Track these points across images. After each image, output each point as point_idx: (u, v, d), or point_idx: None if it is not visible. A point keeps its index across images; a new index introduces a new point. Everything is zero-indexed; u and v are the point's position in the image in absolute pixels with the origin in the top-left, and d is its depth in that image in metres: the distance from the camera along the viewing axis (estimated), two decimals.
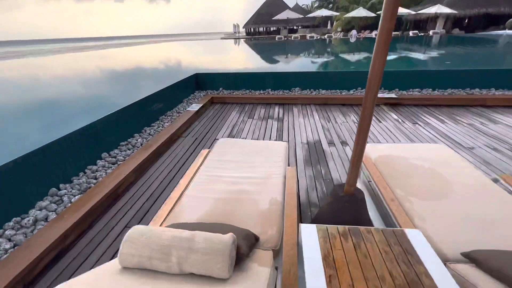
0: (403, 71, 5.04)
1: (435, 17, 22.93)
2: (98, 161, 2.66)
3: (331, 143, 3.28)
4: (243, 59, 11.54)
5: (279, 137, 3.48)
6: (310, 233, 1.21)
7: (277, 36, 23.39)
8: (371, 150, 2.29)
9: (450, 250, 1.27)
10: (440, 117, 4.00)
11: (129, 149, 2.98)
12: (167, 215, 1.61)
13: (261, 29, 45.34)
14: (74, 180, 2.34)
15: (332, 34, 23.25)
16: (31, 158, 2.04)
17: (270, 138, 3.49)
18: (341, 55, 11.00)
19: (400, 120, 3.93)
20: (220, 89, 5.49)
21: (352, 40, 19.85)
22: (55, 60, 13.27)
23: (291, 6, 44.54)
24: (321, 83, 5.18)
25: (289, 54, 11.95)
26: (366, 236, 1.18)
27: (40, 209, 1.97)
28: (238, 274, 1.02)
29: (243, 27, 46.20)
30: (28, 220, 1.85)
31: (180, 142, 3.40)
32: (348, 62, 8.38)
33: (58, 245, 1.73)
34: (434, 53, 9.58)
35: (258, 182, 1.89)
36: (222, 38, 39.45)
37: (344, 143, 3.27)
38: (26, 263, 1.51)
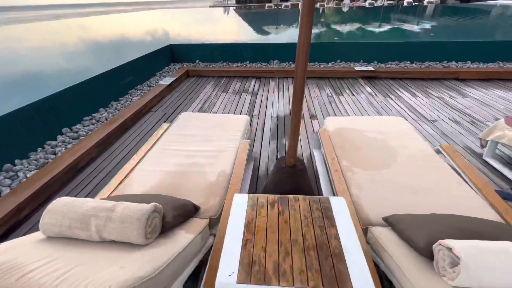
0: (382, 43, 4.93)
1: None
2: (58, 136, 2.61)
3: (315, 115, 3.29)
4: (229, 29, 10.96)
5: (250, 112, 3.46)
6: (241, 202, 1.27)
7: (266, 5, 22.10)
8: (331, 122, 2.32)
9: (375, 216, 1.36)
10: (413, 90, 4.02)
11: (92, 124, 2.92)
12: (115, 188, 1.63)
13: None
14: (31, 156, 2.31)
15: (325, 3, 22.11)
16: None
17: (241, 112, 3.46)
18: (332, 26, 10.59)
19: (373, 94, 3.93)
20: (197, 61, 5.28)
21: (345, 9, 19.01)
22: (29, 29, 12.34)
23: None
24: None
25: (281, 25, 11.41)
26: (293, 204, 1.24)
27: None
28: (161, 240, 1.08)
29: None
30: None
31: (148, 117, 3.34)
32: (338, 33, 8.10)
33: (12, 218, 1.76)
34: (427, 25, 9.31)
35: (211, 155, 1.91)
36: (210, 6, 37.00)
37: (313, 117, 3.28)
38: None
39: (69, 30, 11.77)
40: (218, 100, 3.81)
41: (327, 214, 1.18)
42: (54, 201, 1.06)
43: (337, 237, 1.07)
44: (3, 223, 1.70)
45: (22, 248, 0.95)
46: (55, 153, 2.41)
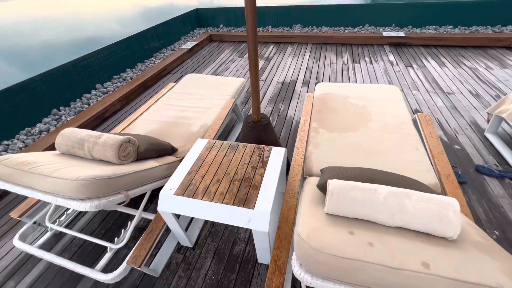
0: (419, 4, 4.33)
1: None
2: (92, 90, 3.17)
3: (306, 83, 3.32)
4: None
5: (258, 76, 3.58)
6: (200, 145, 1.55)
7: None
8: (320, 88, 2.38)
9: (318, 168, 1.53)
10: (443, 59, 3.62)
11: (120, 82, 3.42)
12: (121, 130, 2.06)
13: None
14: (72, 104, 2.91)
15: None
16: (32, 83, 2.58)
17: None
18: None
19: (394, 62, 3.66)
20: (221, 25, 5.39)
21: None
22: None
23: None
24: (325, 19, 4.76)
25: None
26: (240, 149, 1.49)
27: (44, 124, 2.59)
28: (135, 163, 1.44)
29: None
30: (35, 131, 2.48)
31: (167, 78, 3.73)
32: None
33: (52, 149, 2.36)
34: None
35: (200, 111, 2.21)
36: None
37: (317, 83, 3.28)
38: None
39: None
40: (232, 65, 3.99)
41: (264, 159, 1.41)
42: (63, 130, 1.49)
43: (262, 175, 1.30)
44: (48, 150, 2.30)
45: (42, 155, 1.40)
46: (88, 104, 2.97)
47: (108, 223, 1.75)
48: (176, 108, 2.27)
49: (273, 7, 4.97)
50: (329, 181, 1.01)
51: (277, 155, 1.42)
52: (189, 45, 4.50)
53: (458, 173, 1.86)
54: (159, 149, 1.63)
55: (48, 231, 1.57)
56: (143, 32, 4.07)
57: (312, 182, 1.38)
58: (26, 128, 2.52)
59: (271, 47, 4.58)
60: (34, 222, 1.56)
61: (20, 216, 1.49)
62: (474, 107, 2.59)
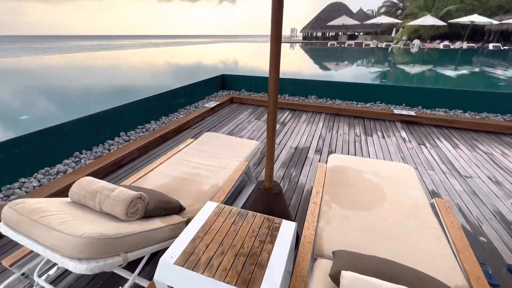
0: (427, 88, 4.66)
1: None
2: (115, 137, 3.37)
3: (318, 151, 3.39)
4: (288, 63, 11.82)
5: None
6: (209, 208, 1.53)
7: (329, 42, 22.83)
8: (334, 159, 2.41)
9: (329, 250, 1.43)
10: (456, 141, 3.67)
11: (143, 132, 3.64)
12: (134, 181, 2.09)
13: (319, 34, 44.65)
14: (94, 149, 3.07)
15: (391, 43, 21.57)
16: (65, 127, 2.80)
17: (264, 140, 3.76)
18: (399, 66, 10.33)
19: (407, 139, 3.74)
20: (242, 90, 5.94)
21: (414, 50, 18.11)
22: (134, 54, 15.81)
23: (354, 11, 42.63)
24: (338, 93, 5.16)
25: (339, 62, 11.74)
26: (249, 219, 1.44)
27: (64, 165, 2.69)
28: (139, 221, 1.41)
29: (301, 31, 46.14)
30: (53, 171, 2.57)
31: (186, 133, 3.95)
32: (400, 75, 7.92)
33: (65, 191, 2.39)
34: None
35: (213, 169, 2.24)
36: None
37: (331, 152, 3.34)
38: (41, 197, 2.18)
39: (156, 55, 14.52)
40: (249, 126, 4.22)
41: (273, 232, 1.34)
42: (82, 178, 1.53)
43: (269, 252, 1.21)
44: (61, 192, 2.33)
45: (53, 203, 1.41)
46: (109, 150, 3.12)
47: (97, 283, 1.61)
48: (191, 164, 2.33)
49: (291, 79, 5.51)
50: (343, 273, 0.92)
51: (287, 230, 1.36)
52: (211, 104, 4.89)
53: (489, 273, 1.66)
54: (167, 207, 1.60)
55: (34, 286, 1.46)
56: (173, 90, 4.53)
57: (323, 267, 1.26)
58: (45, 168, 2.62)
59: (287, 113, 4.89)
60: (23, 274, 1.47)
61: (11, 266, 1.42)
62: (496, 195, 2.47)
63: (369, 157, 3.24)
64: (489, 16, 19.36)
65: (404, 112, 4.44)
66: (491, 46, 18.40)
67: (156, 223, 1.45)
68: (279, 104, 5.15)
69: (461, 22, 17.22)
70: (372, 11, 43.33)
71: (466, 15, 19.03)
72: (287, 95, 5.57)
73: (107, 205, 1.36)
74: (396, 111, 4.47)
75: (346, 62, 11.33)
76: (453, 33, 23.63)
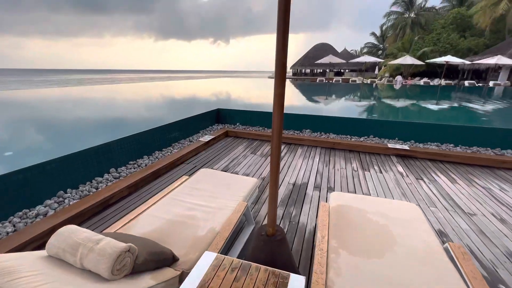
0: (420, 123, 4.81)
1: (497, 68, 21.10)
2: (105, 174, 3.19)
3: (317, 187, 3.29)
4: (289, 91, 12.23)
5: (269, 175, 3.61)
6: (207, 260, 1.36)
7: (318, 78, 24.19)
8: (335, 198, 2.30)
9: None
10: (453, 176, 3.67)
11: (134, 168, 3.49)
12: (122, 226, 1.90)
13: (307, 70, 47.53)
14: (80, 187, 2.87)
15: (375, 80, 23.03)
16: (50, 165, 2.63)
17: (260, 175, 3.65)
18: (384, 101, 10.83)
19: (404, 174, 3.72)
20: (237, 124, 5.97)
21: (397, 86, 19.31)
22: (129, 87, 16.20)
23: (339, 50, 46.15)
24: (332, 127, 5.25)
25: (328, 96, 12.25)
26: (252, 273, 1.27)
27: (45, 206, 2.47)
28: (126, 280, 1.22)
29: (291, 68, 49.00)
30: (32, 213, 2.34)
31: (180, 168, 3.81)
32: (386, 109, 8.25)
33: (44, 237, 2.14)
34: (493, 106, 8.68)
35: (209, 211, 2.09)
36: (269, 77, 42.19)
37: (330, 189, 3.25)
38: (13, 245, 1.94)
39: (153, 89, 14.84)
40: (244, 161, 4.13)
41: None
42: (64, 227, 1.36)
43: None
44: (37, 239, 2.09)
45: (26, 260, 1.21)
46: (97, 188, 2.92)
47: None
48: (185, 205, 2.17)
49: (285, 113, 5.60)
50: None
51: (296, 285, 1.20)
52: (206, 138, 4.84)
53: None
54: (159, 259, 1.42)
55: None
56: (167, 125, 4.49)
57: None
58: (24, 210, 2.39)
59: (282, 147, 4.87)
60: None
61: None
62: (505, 235, 2.38)
63: (369, 193, 3.15)
64: (460, 57, 21.26)
65: (398, 146, 4.49)
66: (466, 83, 19.88)
67: (146, 281, 1.26)
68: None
69: (437, 62, 18.77)
70: (356, 51, 47.00)
71: (440, 56, 20.85)
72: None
73: (90, 260, 1.18)
74: (390, 145, 4.52)
75: (333, 96, 11.85)
76: (431, 71, 25.61)
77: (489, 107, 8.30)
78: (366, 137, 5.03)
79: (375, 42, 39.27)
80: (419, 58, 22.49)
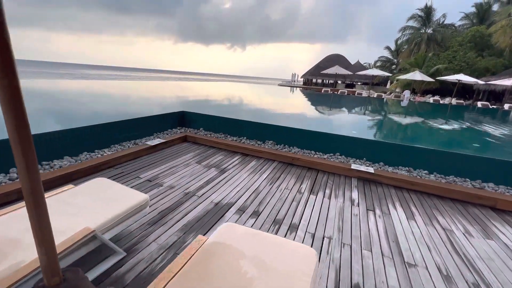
0: (392, 144, 4.24)
1: None
2: (1, 174, 2.86)
3: (241, 210, 2.81)
4: (281, 103, 11.87)
5: (199, 188, 3.17)
6: None
7: (323, 89, 23.60)
8: (221, 231, 1.82)
9: None
10: (413, 209, 3.09)
11: (44, 170, 3.13)
12: None
13: (319, 80, 46.92)
14: None
15: (383, 94, 22.18)
16: None
17: (187, 189, 3.20)
18: (391, 116, 10.22)
19: (356, 202, 3.17)
20: (201, 129, 5.57)
21: (403, 102, 18.44)
22: (144, 84, 16.64)
23: (353, 62, 45.37)
24: (297, 140, 4.74)
25: (324, 108, 11.78)
26: None
27: None
28: None
29: (301, 77, 48.64)
30: None
31: (104, 173, 3.42)
32: (374, 124, 7.67)
33: None
34: (498, 131, 7.92)
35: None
36: (279, 85, 42.05)
37: (256, 213, 2.75)
38: None
39: (153, 87, 14.82)
40: (181, 171, 3.70)
41: None
42: None
43: None
44: None
45: None
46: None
47: None
48: (24, 223, 1.75)
49: (250, 122, 5.17)
50: None
51: None
52: (154, 141, 4.46)
53: None
54: None
55: None
56: (111, 123, 4.15)
57: None
58: None
59: (237, 157, 4.41)
60: None
61: None
62: None
63: (300, 220, 2.64)
64: (477, 77, 20.15)
65: (362, 168, 3.93)
66: (479, 104, 18.73)
67: None
68: (232, 147, 4.71)
69: (448, 79, 17.84)
70: (369, 64, 46.09)
71: (454, 74, 19.84)
72: (245, 138, 5.16)
73: None
74: (353, 166, 3.97)
75: (328, 108, 11.30)
76: (444, 89, 24.44)
77: (497, 131, 7.52)
78: (331, 154, 4.49)
79: (389, 56, 38.31)
80: (432, 75, 21.52)
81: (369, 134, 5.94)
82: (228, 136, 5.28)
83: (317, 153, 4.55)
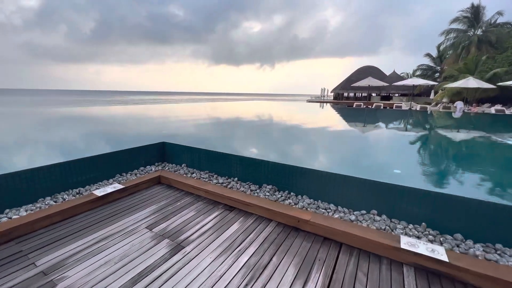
0: (479, 201, 2.39)
1: None
2: None
3: None
4: (300, 123, 10.39)
5: None
6: None
7: (355, 103, 21.27)
8: None
9: None
10: None
11: None
12: None
13: (351, 94, 44.11)
14: None
15: (427, 106, 19.10)
16: None
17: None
18: (442, 132, 8.11)
19: None
20: (183, 165, 4.28)
21: (456, 114, 15.38)
22: (183, 107, 17.44)
23: (388, 73, 42.03)
24: (309, 186, 3.14)
25: (366, 124, 10.04)
26: None
27: None
28: None
29: (331, 92, 46.40)
30: None
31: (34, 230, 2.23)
32: (425, 149, 5.73)
33: None
34: None
35: None
36: (308, 101, 40.49)
37: None
38: None
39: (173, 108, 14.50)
40: (112, 247, 2.35)
41: None
42: None
43: None
44: None
45: None
46: None
47: None
48: None
49: (239, 157, 3.72)
50: None
51: None
52: (107, 189, 3.24)
53: None
54: None
55: None
56: (62, 163, 3.10)
57: None
58: None
59: (216, 214, 2.95)
60: None
61: None
62: None
63: None
64: None
65: (421, 247, 2.17)
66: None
67: None
68: (214, 196, 3.29)
69: None
70: (407, 74, 42.23)
71: None
72: (236, 179, 3.71)
73: None
74: (404, 241, 2.23)
75: (357, 125, 9.35)
76: (506, 96, 20.35)
77: None
78: (364, 212, 2.78)
79: (431, 64, 34.43)
80: (489, 81, 18.04)
81: (423, 172, 4.05)
82: (215, 175, 3.89)
83: (339, 209, 2.88)
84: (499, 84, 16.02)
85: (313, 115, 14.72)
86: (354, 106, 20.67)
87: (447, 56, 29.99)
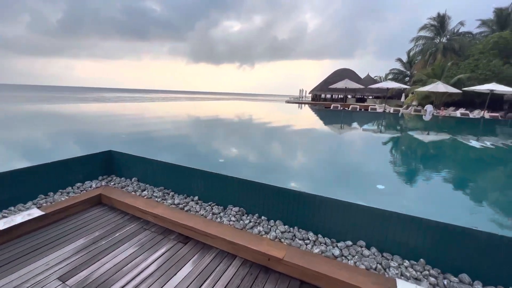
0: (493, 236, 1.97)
1: None
2: None
3: None
4: (276, 125, 9.86)
5: None
6: None
7: (332, 105, 21.40)
8: None
9: None
10: None
11: None
12: None
13: (328, 96, 44.88)
14: None
15: (400, 108, 19.74)
16: None
17: None
18: (413, 134, 7.97)
19: None
20: (133, 179, 3.52)
21: (426, 117, 15.96)
22: (161, 105, 16.07)
23: (362, 76, 43.44)
24: (283, 209, 2.57)
25: (343, 125, 9.75)
26: None
27: None
28: None
29: (310, 93, 46.98)
30: None
31: None
32: (419, 144, 5.45)
33: None
34: None
35: None
36: (286, 102, 40.48)
37: None
38: None
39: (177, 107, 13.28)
40: None
41: None
42: None
43: None
44: None
45: None
46: None
47: None
48: None
49: (204, 172, 3.05)
50: None
51: None
52: (16, 218, 2.41)
53: None
54: None
55: None
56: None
57: None
58: None
59: (165, 248, 2.27)
60: None
61: None
62: None
63: None
64: (505, 86, 17.50)
65: None
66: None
67: None
68: (165, 223, 2.60)
69: (479, 90, 15.38)
70: (380, 77, 43.96)
71: (479, 84, 17.33)
72: (196, 198, 3.04)
73: None
74: (401, 287, 1.73)
75: (335, 128, 9.10)
76: (467, 101, 21.75)
77: None
78: (349, 243, 2.26)
79: (401, 68, 36.10)
80: (454, 85, 19.04)
81: (415, 193, 3.69)
82: (172, 193, 3.19)
83: (319, 239, 2.34)
84: (464, 89, 16.90)
85: (291, 118, 14.39)
86: (331, 108, 20.77)
87: (416, 61, 31.55)
